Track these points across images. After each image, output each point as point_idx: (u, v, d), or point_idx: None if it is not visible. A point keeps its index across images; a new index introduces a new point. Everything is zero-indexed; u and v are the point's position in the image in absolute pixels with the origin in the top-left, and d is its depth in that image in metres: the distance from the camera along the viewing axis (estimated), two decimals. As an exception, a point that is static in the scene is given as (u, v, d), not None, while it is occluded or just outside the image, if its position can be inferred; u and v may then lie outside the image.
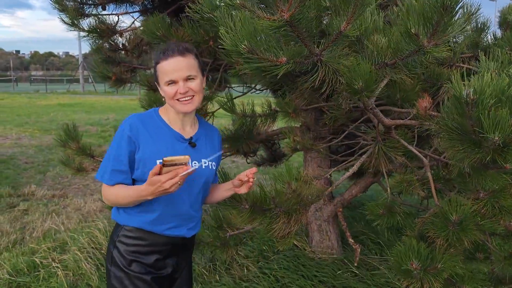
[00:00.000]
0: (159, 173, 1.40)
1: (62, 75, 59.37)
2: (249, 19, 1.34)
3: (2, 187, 5.76)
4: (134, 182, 1.61)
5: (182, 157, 1.41)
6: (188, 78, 1.55)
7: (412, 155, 2.52)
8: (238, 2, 1.46)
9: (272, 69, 1.44)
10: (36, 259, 3.31)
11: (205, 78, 1.69)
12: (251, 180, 1.64)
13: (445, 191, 2.54)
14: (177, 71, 1.53)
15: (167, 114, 1.66)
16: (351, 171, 2.13)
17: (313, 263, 3.11)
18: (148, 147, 1.56)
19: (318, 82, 1.57)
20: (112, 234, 1.72)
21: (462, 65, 2.62)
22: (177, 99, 1.56)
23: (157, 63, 1.58)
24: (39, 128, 12.21)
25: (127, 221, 1.65)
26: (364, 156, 2.18)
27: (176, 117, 1.65)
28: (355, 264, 2.79)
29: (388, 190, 2.20)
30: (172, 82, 1.55)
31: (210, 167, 1.72)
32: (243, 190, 1.66)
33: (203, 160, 1.68)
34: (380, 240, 3.44)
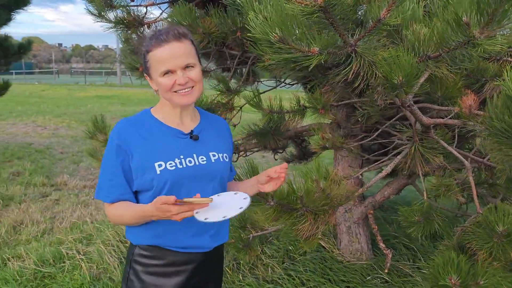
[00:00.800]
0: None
1: (101, 68, 60.98)
2: (281, 4, 1.21)
3: (37, 176, 5.89)
4: (136, 193, 1.45)
5: (205, 199, 1.24)
6: (186, 67, 1.35)
7: (451, 157, 2.34)
8: (268, -15, 1.35)
9: (303, 60, 1.31)
10: (63, 250, 3.33)
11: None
12: (281, 176, 1.43)
13: (487, 196, 2.34)
14: (175, 59, 1.33)
15: (161, 111, 1.48)
16: (384, 172, 1.98)
17: (341, 266, 2.97)
18: (143, 150, 1.39)
19: (352, 76, 1.43)
20: (128, 253, 1.55)
21: (511, 59, 2.40)
22: (175, 91, 1.37)
23: (148, 51, 1.37)
24: (76, 119, 12.52)
25: (139, 239, 1.48)
26: (399, 156, 2.02)
27: (172, 112, 1.46)
28: (386, 271, 2.63)
29: (424, 195, 2.03)
30: (169, 72, 1.35)
31: (222, 160, 1.50)
32: (269, 188, 1.46)
33: (211, 153, 1.48)
34: (414, 246, 3.25)
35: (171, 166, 1.39)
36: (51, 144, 8.65)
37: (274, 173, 1.43)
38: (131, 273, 1.48)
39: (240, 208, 1.25)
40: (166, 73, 1.35)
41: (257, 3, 1.42)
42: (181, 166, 1.41)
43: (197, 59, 1.41)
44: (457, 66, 1.61)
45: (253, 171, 1.67)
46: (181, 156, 1.42)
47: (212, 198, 1.27)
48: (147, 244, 1.46)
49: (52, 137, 9.56)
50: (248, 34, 1.28)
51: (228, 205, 1.30)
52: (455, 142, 2.28)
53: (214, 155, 1.49)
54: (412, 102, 1.69)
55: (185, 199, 1.21)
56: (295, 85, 3.91)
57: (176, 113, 1.47)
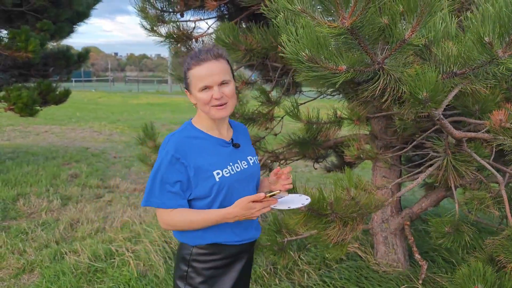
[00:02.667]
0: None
1: (154, 76, 63.31)
2: (311, 27, 1.34)
3: (92, 178, 6.30)
4: (189, 201, 1.59)
5: (286, 193, 1.55)
6: (222, 83, 1.52)
7: (488, 170, 2.34)
8: (299, 8, 1.47)
9: (331, 77, 1.42)
10: (113, 248, 3.59)
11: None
12: (282, 177, 1.63)
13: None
14: (212, 76, 1.50)
15: (201, 123, 1.63)
16: (414, 183, 2.02)
17: (376, 276, 3.00)
18: (200, 161, 1.54)
19: (378, 91, 1.52)
20: (182, 253, 1.67)
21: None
22: (212, 105, 1.53)
23: (188, 69, 1.54)
24: (129, 125, 13.17)
25: (198, 240, 1.62)
26: (430, 168, 2.06)
27: (212, 124, 1.62)
28: (420, 282, 2.64)
29: (456, 207, 2.06)
30: (206, 88, 1.51)
31: (256, 162, 1.74)
32: (278, 186, 1.64)
33: (248, 158, 1.70)
34: (453, 259, 3.21)
35: (226, 173, 1.58)
36: (105, 148, 9.18)
37: (276, 173, 1.65)
38: (190, 271, 1.64)
39: (302, 203, 1.51)
40: (204, 89, 1.51)
41: (288, 25, 1.54)
42: (233, 172, 1.61)
43: (231, 76, 1.59)
44: (484, 82, 1.65)
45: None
46: (231, 163, 1.62)
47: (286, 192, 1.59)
48: (206, 243, 1.62)
49: (107, 142, 10.14)
50: (280, 54, 1.41)
51: (292, 200, 1.55)
52: (492, 156, 2.28)
53: (251, 159, 1.72)
54: (441, 116, 1.74)
55: (267, 195, 1.43)
56: (336, 96, 3.99)
57: (215, 124, 1.63)
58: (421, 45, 1.54)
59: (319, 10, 1.44)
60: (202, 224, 1.55)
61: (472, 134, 1.86)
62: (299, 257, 3.37)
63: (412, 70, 1.46)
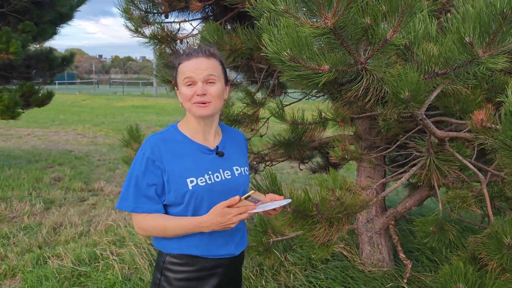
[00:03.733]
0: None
1: (138, 78, 62.86)
2: (293, 26, 1.34)
3: (76, 182, 6.22)
4: (165, 207, 1.53)
5: (263, 195, 1.50)
6: (208, 81, 1.47)
7: (470, 169, 2.37)
8: (282, 8, 1.47)
9: (314, 77, 1.43)
10: (97, 251, 3.54)
11: (227, 89, 1.60)
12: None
13: (505, 209, 2.35)
14: (197, 70, 1.46)
15: (187, 127, 1.57)
16: (398, 182, 2.04)
17: (362, 275, 3.01)
18: (175, 167, 1.47)
19: (361, 91, 1.53)
20: (158, 260, 1.62)
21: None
22: (194, 102, 1.47)
23: (179, 63, 1.51)
24: (113, 128, 13.04)
25: (172, 248, 1.55)
26: (414, 168, 2.08)
27: (197, 127, 1.55)
28: (405, 280, 2.66)
29: (440, 206, 2.08)
30: (191, 83, 1.47)
31: (244, 173, 1.63)
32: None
33: (234, 168, 1.59)
34: (437, 258, 3.25)
35: (201, 182, 1.49)
36: (89, 151, 9.07)
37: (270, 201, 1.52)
38: (162, 280, 1.56)
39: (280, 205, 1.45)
40: (189, 83, 1.47)
41: (269, 25, 1.54)
42: (210, 182, 1.51)
43: (221, 77, 1.52)
44: (466, 82, 1.68)
45: (273, 181, 1.79)
46: (210, 172, 1.52)
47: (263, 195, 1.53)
48: (178, 253, 1.54)
49: (90, 144, 10.02)
50: (261, 54, 1.41)
51: (272, 205, 1.47)
52: (474, 155, 2.32)
53: (237, 170, 1.61)
54: (424, 116, 1.77)
55: (252, 192, 1.38)
56: (321, 97, 4.01)
57: (200, 128, 1.55)
58: (402, 46, 1.56)
59: (303, 10, 1.45)
60: (176, 232, 1.48)
61: (454, 134, 1.88)
62: (285, 258, 3.37)
63: (395, 71, 1.47)
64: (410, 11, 1.36)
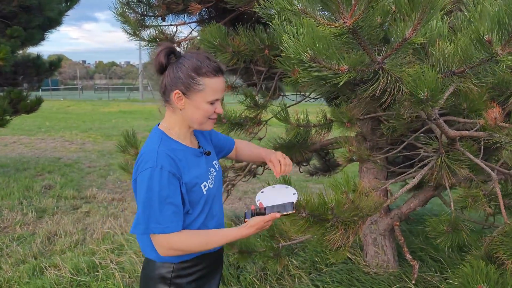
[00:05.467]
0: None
1: (124, 83, 62.32)
2: (313, 26, 1.31)
3: (67, 189, 6.09)
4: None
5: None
6: None
7: (477, 168, 2.37)
8: (299, 7, 1.44)
9: (333, 77, 1.40)
10: (96, 260, 3.46)
11: None
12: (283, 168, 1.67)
13: (515, 208, 2.35)
14: (222, 91, 1.49)
15: (176, 132, 1.53)
16: (411, 183, 2.03)
17: (367, 277, 3.00)
18: (189, 175, 1.46)
19: (379, 91, 1.51)
20: (160, 273, 1.53)
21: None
22: (210, 118, 1.50)
23: (205, 75, 1.42)
24: (101, 134, 12.86)
25: (184, 256, 1.53)
26: (425, 168, 2.07)
27: (186, 132, 1.55)
28: (413, 282, 2.65)
29: (452, 206, 2.07)
30: (215, 102, 1.47)
31: (219, 165, 1.72)
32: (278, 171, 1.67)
33: (214, 162, 1.66)
34: (441, 257, 3.25)
35: (211, 184, 1.57)
36: (79, 158, 8.92)
37: (276, 161, 1.69)
38: None
39: (291, 201, 1.53)
40: (213, 102, 1.46)
41: (288, 26, 1.51)
42: (213, 182, 1.59)
43: None
44: (482, 80, 1.67)
45: (286, 183, 1.76)
46: (209, 173, 1.59)
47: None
48: (191, 257, 1.55)
49: (79, 151, 9.85)
50: (283, 54, 1.38)
51: (278, 195, 1.58)
52: (481, 154, 2.32)
53: (215, 164, 1.69)
54: (438, 115, 1.75)
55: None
56: (318, 99, 4.00)
57: (189, 133, 1.56)
58: (419, 46, 1.55)
59: (319, 9, 1.43)
60: (218, 244, 1.48)
61: (467, 133, 1.87)
62: (288, 262, 3.33)
63: (413, 70, 1.45)
64: (431, 8, 1.34)
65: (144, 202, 1.37)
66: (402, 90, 1.52)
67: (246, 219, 1.47)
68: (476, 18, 1.41)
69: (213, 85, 1.44)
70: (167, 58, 1.46)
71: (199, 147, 1.61)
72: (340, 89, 1.82)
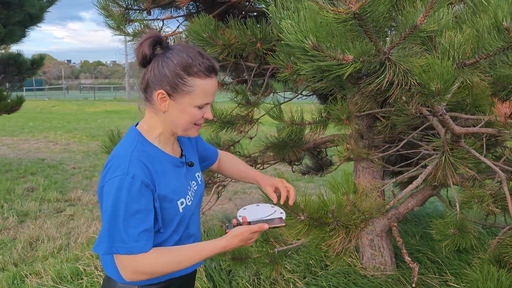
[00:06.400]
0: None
1: (110, 83, 61.64)
2: (316, 11, 1.18)
3: (51, 192, 5.88)
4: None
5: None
6: None
7: (479, 166, 2.27)
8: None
9: (336, 68, 1.28)
10: (80, 267, 3.28)
11: None
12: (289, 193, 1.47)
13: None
14: (213, 95, 1.28)
15: (151, 134, 1.30)
16: (415, 183, 1.92)
17: (365, 281, 2.88)
18: (164, 188, 1.24)
19: (386, 84, 1.39)
20: None
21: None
22: (196, 123, 1.29)
23: (196, 75, 1.21)
24: (87, 134, 12.59)
25: (154, 279, 1.30)
26: (429, 167, 1.96)
27: (168, 137, 1.33)
28: (413, 285, 2.54)
29: (457, 207, 1.97)
30: (204, 106, 1.26)
31: (202, 178, 1.50)
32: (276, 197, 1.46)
33: (196, 175, 1.45)
34: (439, 259, 3.16)
35: (189, 201, 1.35)
36: (63, 159, 8.67)
37: (283, 188, 1.47)
38: None
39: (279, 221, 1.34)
40: (202, 106, 1.25)
41: (286, 12, 1.38)
42: (192, 197, 1.37)
43: None
44: (488, 73, 1.57)
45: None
46: (189, 187, 1.37)
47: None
48: (161, 280, 1.33)
49: (64, 152, 9.59)
50: (280, 45, 1.25)
51: (267, 215, 1.37)
52: (484, 152, 2.22)
53: (198, 176, 1.46)
54: (444, 111, 1.64)
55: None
56: (310, 96, 3.88)
57: (172, 138, 1.35)
58: (430, 34, 1.43)
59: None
60: (193, 262, 1.24)
61: (475, 129, 1.77)
62: (282, 266, 3.20)
63: (423, 60, 1.34)
64: (443, -6, 1.23)
65: (110, 216, 1.15)
66: (411, 82, 1.40)
67: (227, 231, 1.26)
68: (493, 4, 1.29)
69: (204, 87, 1.22)
70: (152, 49, 1.23)
71: (181, 155, 1.40)
72: (342, 83, 1.70)
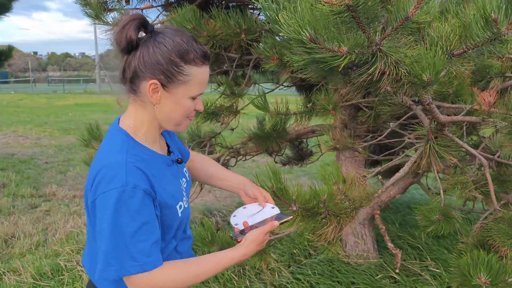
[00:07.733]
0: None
1: (79, 75, 60.05)
2: (310, 2, 1.18)
3: (24, 187, 5.70)
4: None
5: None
6: None
7: (459, 155, 2.34)
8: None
9: (330, 60, 1.28)
10: (60, 262, 3.21)
11: None
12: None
13: (499, 193, 2.35)
14: (206, 84, 1.17)
15: (139, 132, 1.18)
16: (401, 171, 1.96)
17: (349, 268, 2.94)
18: (162, 194, 1.14)
19: (377, 74, 1.41)
20: None
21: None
22: (188, 117, 1.19)
23: (194, 63, 1.10)
24: (58, 128, 12.25)
25: None
26: (414, 155, 2.01)
27: (156, 133, 1.21)
28: (397, 271, 2.61)
29: (441, 193, 2.03)
30: (197, 96, 1.16)
31: (189, 174, 1.41)
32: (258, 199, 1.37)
33: (184, 170, 1.35)
34: (419, 244, 3.25)
35: (186, 203, 1.27)
36: (34, 154, 8.42)
37: (262, 198, 1.37)
38: None
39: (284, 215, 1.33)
40: (195, 97, 1.15)
41: (282, 3, 1.38)
42: (186, 197, 1.30)
43: None
44: (472, 64, 1.61)
45: (276, 177, 1.63)
46: (180, 186, 1.28)
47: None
48: None
49: (35, 146, 9.31)
50: (281, 34, 1.24)
51: (263, 214, 1.33)
52: (464, 139, 2.29)
53: (186, 171, 1.37)
54: (431, 100, 1.68)
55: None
56: (290, 88, 3.91)
57: (158, 134, 1.24)
58: (422, 25, 1.45)
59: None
60: (211, 274, 1.16)
61: (459, 118, 1.82)
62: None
63: (414, 51, 1.36)
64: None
65: (111, 234, 1.03)
66: (401, 73, 1.43)
67: (239, 239, 1.19)
68: (481, -4, 1.32)
69: (200, 75, 1.12)
70: (138, 33, 1.07)
71: (169, 153, 1.29)
72: (332, 74, 1.72)
